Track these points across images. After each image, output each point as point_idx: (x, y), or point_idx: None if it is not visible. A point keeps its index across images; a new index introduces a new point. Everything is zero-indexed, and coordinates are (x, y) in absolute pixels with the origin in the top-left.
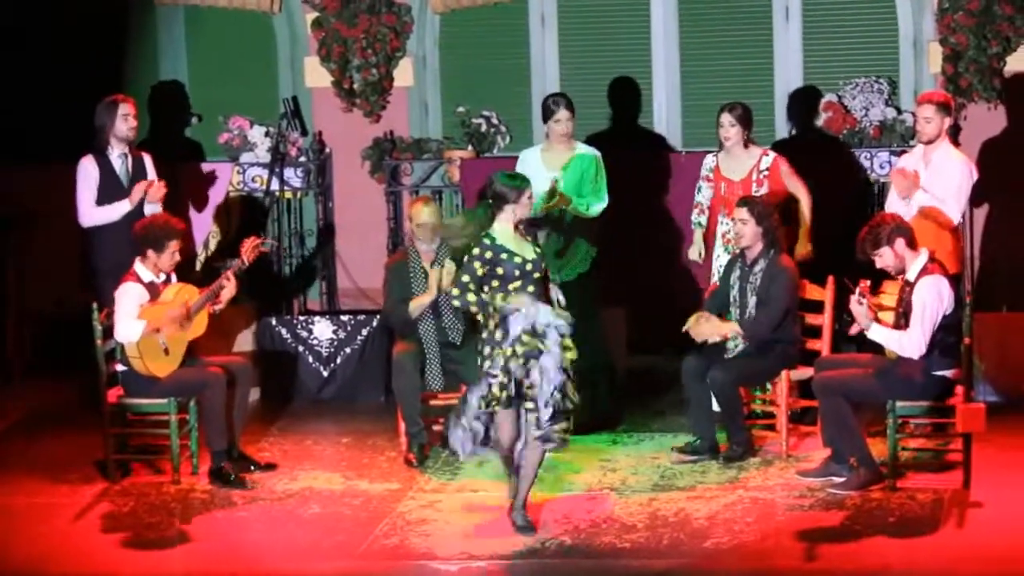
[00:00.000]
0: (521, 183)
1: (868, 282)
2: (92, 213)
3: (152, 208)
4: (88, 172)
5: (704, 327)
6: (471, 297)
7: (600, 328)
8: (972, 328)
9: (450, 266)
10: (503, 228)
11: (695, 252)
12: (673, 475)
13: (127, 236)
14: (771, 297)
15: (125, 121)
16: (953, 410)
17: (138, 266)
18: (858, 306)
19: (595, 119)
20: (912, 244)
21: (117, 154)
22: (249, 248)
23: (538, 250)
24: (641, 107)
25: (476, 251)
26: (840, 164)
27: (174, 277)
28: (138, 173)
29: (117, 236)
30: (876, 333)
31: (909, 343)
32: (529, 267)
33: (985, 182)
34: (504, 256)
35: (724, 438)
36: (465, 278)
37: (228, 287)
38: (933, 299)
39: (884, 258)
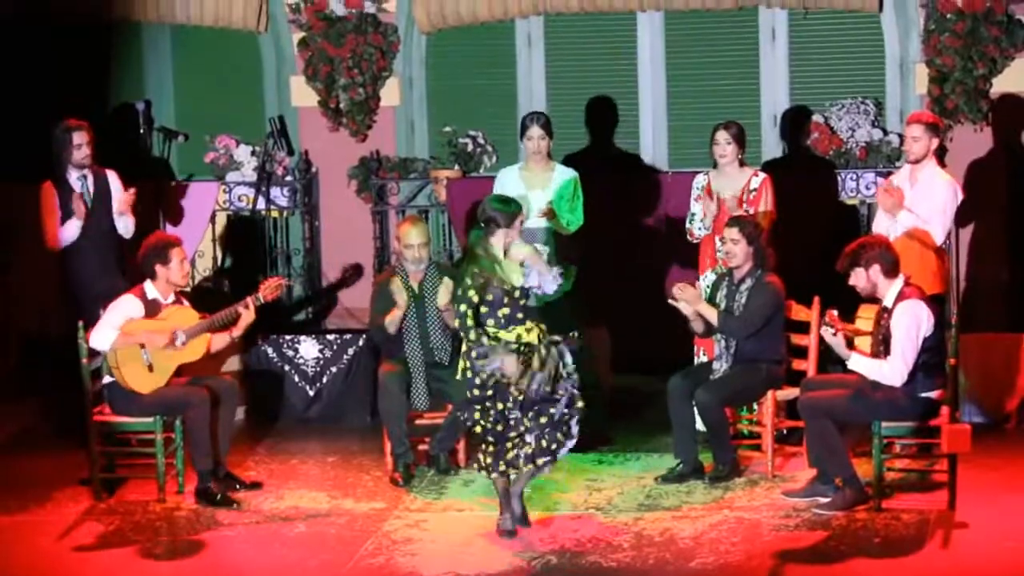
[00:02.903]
0: (514, 208)
1: (835, 312)
2: (55, 236)
3: (124, 221)
4: (48, 198)
5: (689, 292)
6: (472, 335)
7: (586, 347)
8: (957, 349)
9: (449, 284)
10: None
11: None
12: (659, 495)
13: (98, 257)
14: (753, 306)
15: (79, 150)
16: (938, 431)
17: (148, 284)
18: (832, 338)
19: (582, 139)
20: (891, 273)
21: (76, 176)
22: (271, 287)
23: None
24: (622, 125)
25: (469, 280)
26: (826, 185)
27: (186, 302)
28: (101, 190)
29: (89, 257)
30: (856, 364)
31: (891, 372)
32: (517, 294)
33: (971, 203)
34: (494, 282)
35: (710, 458)
36: (463, 307)
37: (246, 315)
38: (912, 325)
39: (857, 278)
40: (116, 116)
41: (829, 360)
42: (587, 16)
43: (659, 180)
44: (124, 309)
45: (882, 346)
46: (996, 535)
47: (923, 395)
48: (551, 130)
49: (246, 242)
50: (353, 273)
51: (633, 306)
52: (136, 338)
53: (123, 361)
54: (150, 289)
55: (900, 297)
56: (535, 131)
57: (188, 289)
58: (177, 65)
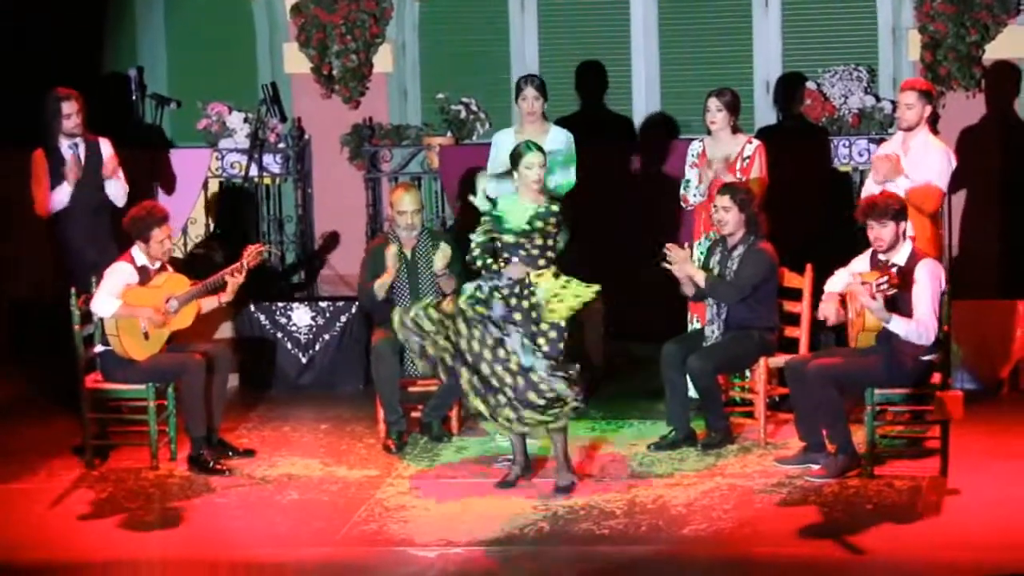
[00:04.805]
0: (524, 151)
1: (894, 271)
2: (45, 204)
3: (112, 185)
4: (38, 166)
5: (679, 254)
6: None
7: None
8: (951, 315)
9: (446, 249)
10: (511, 195)
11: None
12: (651, 462)
13: (90, 224)
14: (744, 273)
15: (68, 119)
16: (931, 397)
17: (135, 249)
18: (871, 300)
19: (575, 104)
20: (907, 234)
21: (67, 145)
22: (252, 254)
23: (539, 224)
24: (615, 91)
25: (481, 227)
26: (819, 151)
27: (170, 268)
28: (92, 158)
29: (78, 224)
30: (896, 325)
31: (925, 330)
32: (524, 238)
33: (964, 170)
34: (507, 225)
35: (702, 425)
36: (475, 251)
37: (233, 281)
38: (936, 284)
39: (884, 230)
40: (109, 83)
41: (821, 328)
42: None
43: (651, 145)
44: (121, 276)
45: (891, 305)
46: (988, 501)
47: (925, 359)
48: (545, 92)
49: (239, 209)
50: (332, 240)
51: (626, 273)
52: (136, 312)
53: (123, 329)
54: (139, 255)
55: (916, 256)
56: (529, 91)
57: (180, 256)
58: (170, 32)
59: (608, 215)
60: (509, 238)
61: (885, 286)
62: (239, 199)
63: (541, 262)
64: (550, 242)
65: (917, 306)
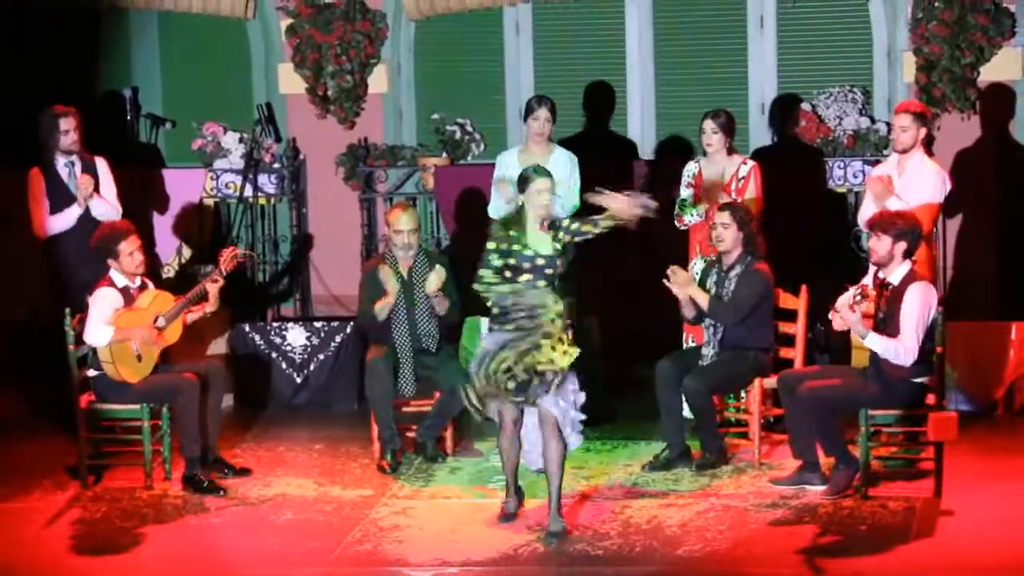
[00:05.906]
0: (529, 174)
1: (868, 287)
2: (45, 224)
3: (96, 205)
4: (35, 185)
5: (682, 276)
6: (502, 288)
7: (580, 332)
8: (945, 337)
9: (441, 272)
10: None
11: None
12: (646, 482)
13: (84, 244)
14: (742, 294)
15: (66, 136)
16: (925, 419)
17: (113, 272)
18: (850, 313)
19: (570, 127)
20: (908, 255)
21: (63, 164)
22: (228, 258)
23: (558, 247)
24: (615, 110)
25: (493, 244)
26: (814, 173)
27: (151, 284)
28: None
29: (72, 244)
30: (872, 342)
31: (904, 351)
32: (541, 262)
33: (958, 192)
34: (516, 247)
35: (697, 445)
36: (484, 271)
37: (213, 289)
38: (925, 307)
39: (879, 244)
40: (104, 103)
41: (815, 349)
42: (575, 4)
43: (647, 166)
44: (108, 302)
45: (883, 324)
46: (982, 523)
47: (918, 381)
48: (555, 115)
49: (233, 229)
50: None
51: (622, 292)
52: (129, 334)
53: (116, 355)
54: (117, 277)
55: (911, 278)
56: (542, 112)
57: (172, 276)
58: (165, 52)
59: (604, 234)
60: (522, 258)
61: (859, 298)
62: (233, 219)
63: (541, 283)
64: (558, 262)
65: (900, 327)
